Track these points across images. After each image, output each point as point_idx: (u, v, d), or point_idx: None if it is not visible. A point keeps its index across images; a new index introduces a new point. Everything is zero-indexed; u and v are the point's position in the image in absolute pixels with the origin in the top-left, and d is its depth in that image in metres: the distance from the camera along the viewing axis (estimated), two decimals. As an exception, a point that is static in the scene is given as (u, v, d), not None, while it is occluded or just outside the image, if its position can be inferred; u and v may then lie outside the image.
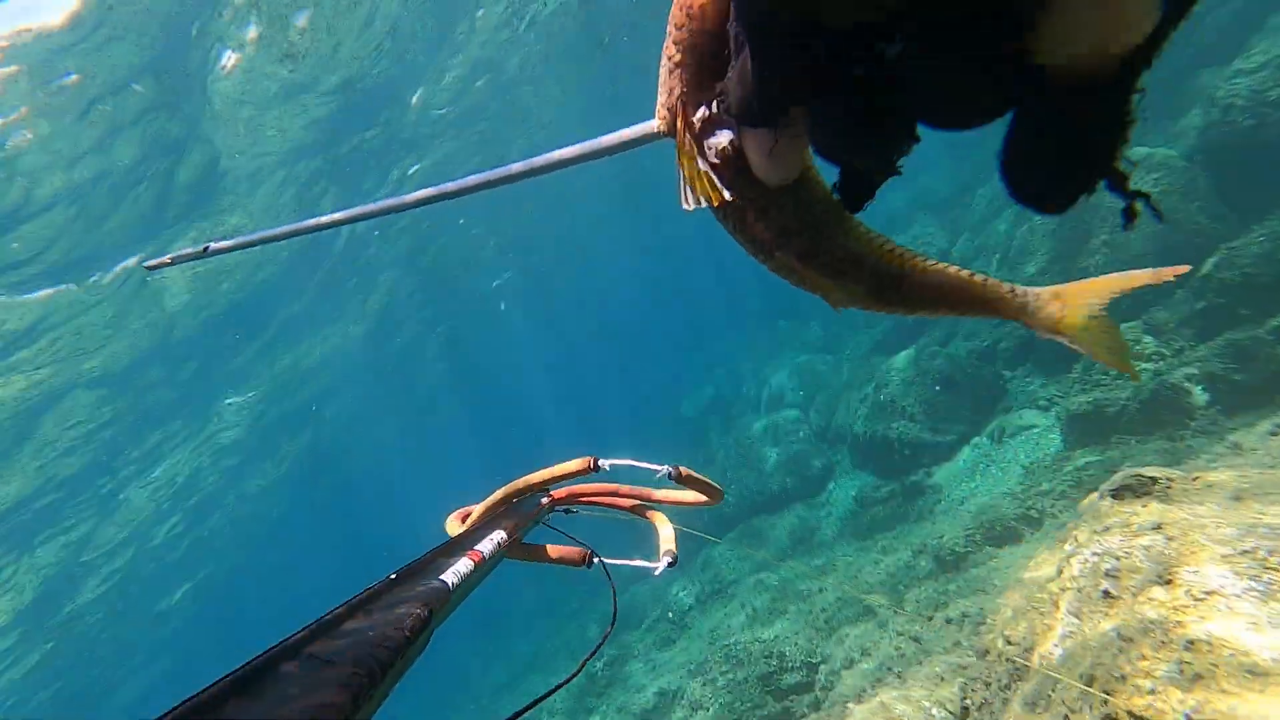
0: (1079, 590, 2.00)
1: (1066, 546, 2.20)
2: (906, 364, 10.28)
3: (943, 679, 3.25)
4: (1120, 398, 6.60)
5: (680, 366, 25.63)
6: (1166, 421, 6.20)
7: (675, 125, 0.82)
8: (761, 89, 0.66)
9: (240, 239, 1.55)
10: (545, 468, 1.33)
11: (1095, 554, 2.05)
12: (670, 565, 1.28)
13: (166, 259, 1.61)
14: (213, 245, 1.53)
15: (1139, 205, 0.61)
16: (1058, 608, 2.05)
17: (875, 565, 7.20)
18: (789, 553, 10.23)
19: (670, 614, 10.63)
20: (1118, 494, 2.36)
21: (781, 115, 0.69)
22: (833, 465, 11.73)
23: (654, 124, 0.89)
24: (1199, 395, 6.06)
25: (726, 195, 0.79)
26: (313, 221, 1.45)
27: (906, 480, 9.35)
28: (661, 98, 0.86)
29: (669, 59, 0.81)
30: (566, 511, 1.48)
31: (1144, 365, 6.87)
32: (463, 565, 0.87)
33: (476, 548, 0.96)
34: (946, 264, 0.94)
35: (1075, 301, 0.95)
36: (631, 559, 1.32)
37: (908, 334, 12.45)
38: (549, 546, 1.33)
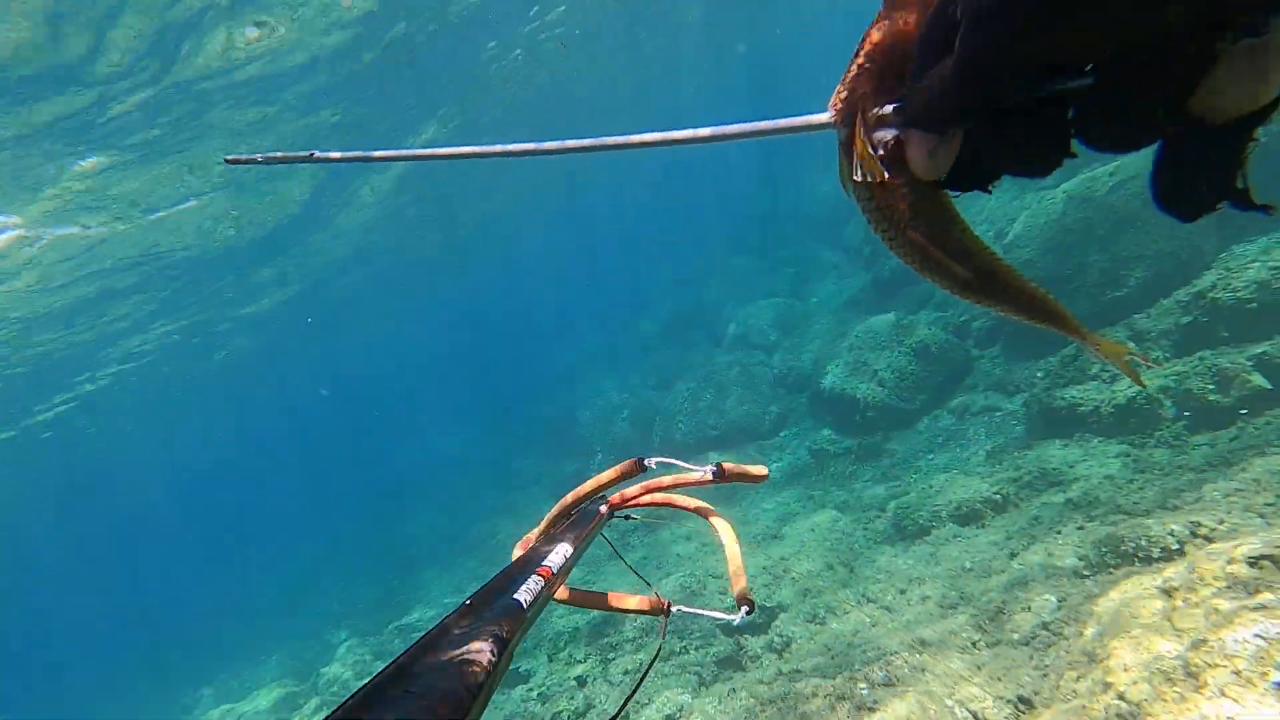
0: (1236, 673, 1.95)
1: (1183, 604, 2.14)
2: (886, 328, 10.34)
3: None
4: (1095, 399, 6.86)
5: (643, 282, 25.12)
6: (1132, 428, 6.53)
7: (852, 118, 1.00)
8: (952, 104, 0.79)
9: (348, 153, 1.46)
10: (593, 476, 1.37)
11: (1259, 636, 1.99)
12: (748, 614, 1.25)
13: (258, 156, 1.49)
14: (318, 153, 1.45)
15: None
16: (1201, 683, 2.00)
17: (834, 524, 7.43)
18: (736, 490, 10.51)
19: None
20: (1256, 563, 2.31)
21: (955, 126, 0.83)
22: (789, 412, 11.98)
23: (824, 116, 1.06)
24: (1168, 408, 6.36)
25: (887, 175, 0.96)
26: (426, 151, 1.35)
27: (865, 440, 9.66)
28: (841, 94, 1.03)
29: (859, 66, 0.99)
30: (626, 518, 1.47)
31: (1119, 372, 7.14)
32: (534, 583, 0.89)
33: (545, 563, 0.97)
34: (1026, 278, 1.12)
35: (1109, 344, 1.22)
36: (709, 608, 1.30)
37: (882, 294, 12.54)
38: (624, 596, 1.31)
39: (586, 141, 1.25)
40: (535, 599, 0.86)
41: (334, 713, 0.57)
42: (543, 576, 0.92)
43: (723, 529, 1.44)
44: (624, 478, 1.36)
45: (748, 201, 24.65)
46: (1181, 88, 0.65)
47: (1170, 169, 0.78)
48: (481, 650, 0.67)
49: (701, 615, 1.27)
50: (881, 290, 12.68)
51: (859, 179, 1.00)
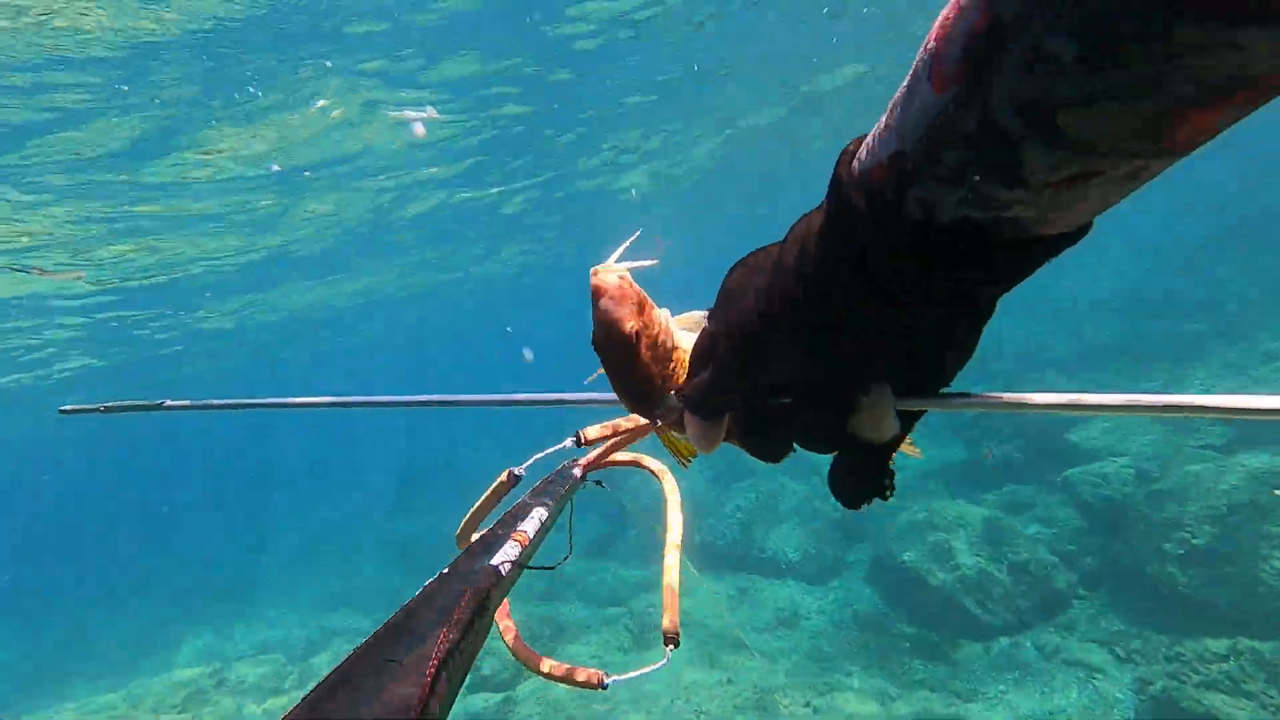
0: None
1: None
2: (980, 523, 9.48)
3: None
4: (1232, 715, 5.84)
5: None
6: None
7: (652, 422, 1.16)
8: (708, 405, 1.00)
9: (201, 401, 1.42)
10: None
11: None
12: (674, 649, 1.23)
13: (99, 406, 1.41)
14: (169, 401, 1.46)
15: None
16: None
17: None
18: (772, 625, 9.66)
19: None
20: None
21: (715, 419, 1.03)
22: (843, 565, 11.05)
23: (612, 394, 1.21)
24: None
25: (688, 460, 1.27)
26: (283, 400, 1.32)
27: (925, 634, 8.69)
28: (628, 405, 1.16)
29: (626, 393, 1.12)
30: (598, 483, 1.49)
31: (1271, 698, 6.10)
32: (510, 549, 0.92)
33: (521, 528, 1.00)
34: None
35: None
36: (641, 668, 1.27)
37: (979, 479, 11.63)
38: (560, 666, 1.27)
39: (424, 397, 1.31)
40: (514, 564, 0.89)
41: (316, 686, 0.59)
42: (519, 542, 0.95)
43: (671, 495, 1.49)
44: (502, 494, 1.41)
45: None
46: (841, 419, 0.90)
47: (838, 470, 1.00)
48: (460, 617, 0.70)
49: (635, 677, 1.26)
50: (980, 474, 11.79)
51: (685, 466, 1.30)
